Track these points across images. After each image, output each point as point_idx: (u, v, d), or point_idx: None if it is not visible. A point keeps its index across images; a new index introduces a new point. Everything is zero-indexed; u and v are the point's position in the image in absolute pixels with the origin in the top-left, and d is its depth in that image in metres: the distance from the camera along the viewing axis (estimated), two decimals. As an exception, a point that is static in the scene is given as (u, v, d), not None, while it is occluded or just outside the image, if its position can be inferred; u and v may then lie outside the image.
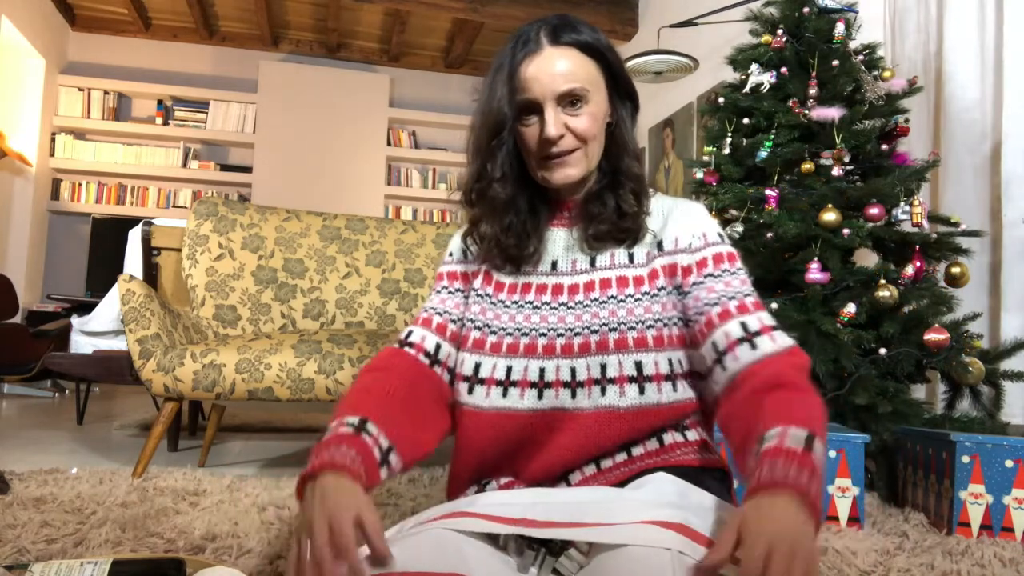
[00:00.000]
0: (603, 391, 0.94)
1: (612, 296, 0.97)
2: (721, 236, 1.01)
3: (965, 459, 1.61)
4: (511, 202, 1.02)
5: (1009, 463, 1.60)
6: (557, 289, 1.01)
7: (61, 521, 1.40)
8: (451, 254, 1.12)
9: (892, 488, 1.95)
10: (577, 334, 0.97)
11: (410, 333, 1.05)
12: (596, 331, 0.96)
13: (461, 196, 1.05)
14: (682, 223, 1.00)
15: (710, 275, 0.96)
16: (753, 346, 0.89)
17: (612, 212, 1.00)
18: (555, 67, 0.96)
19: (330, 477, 0.77)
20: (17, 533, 1.31)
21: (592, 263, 1.01)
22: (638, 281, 0.98)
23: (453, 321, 1.06)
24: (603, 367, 0.94)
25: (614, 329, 0.95)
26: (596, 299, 0.98)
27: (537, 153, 0.99)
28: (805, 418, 0.78)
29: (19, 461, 2.19)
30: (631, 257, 1.00)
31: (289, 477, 1.98)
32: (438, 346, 1.04)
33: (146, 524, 1.40)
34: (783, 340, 0.90)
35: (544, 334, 0.99)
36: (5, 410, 3.90)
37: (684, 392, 0.96)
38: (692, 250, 0.98)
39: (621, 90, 1.03)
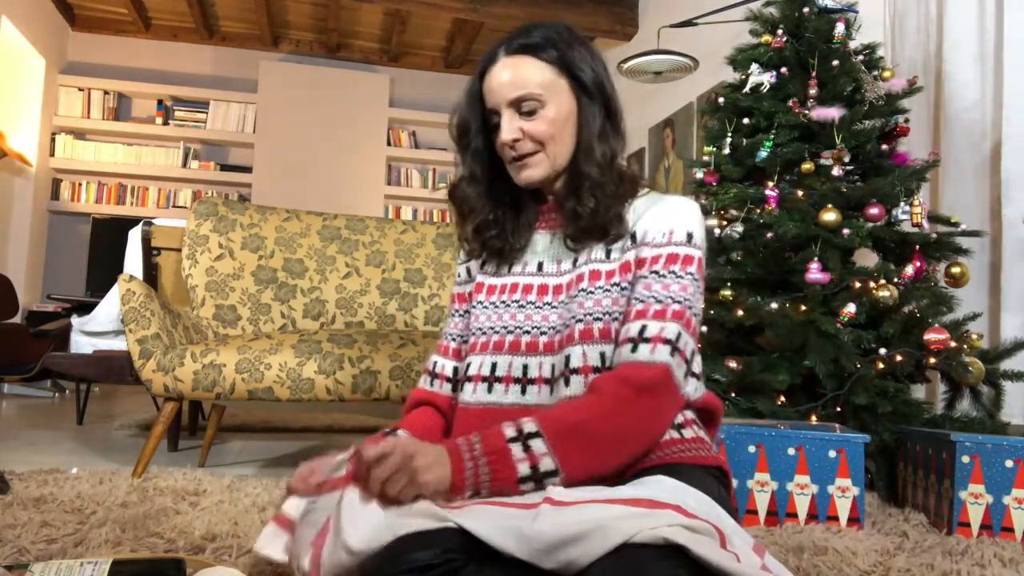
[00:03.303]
0: (567, 382, 0.95)
1: (583, 289, 0.99)
2: (690, 236, 0.98)
3: (965, 459, 1.61)
4: (484, 200, 1.07)
5: (1009, 463, 1.60)
6: (542, 289, 1.04)
7: (61, 521, 1.40)
8: (459, 275, 1.18)
9: (892, 488, 1.95)
10: (557, 332, 1.00)
11: (435, 364, 1.15)
12: (567, 325, 0.98)
13: (449, 193, 1.12)
14: (657, 217, 1.00)
15: (654, 272, 0.96)
16: (633, 349, 0.92)
17: (570, 214, 1.02)
18: (506, 75, 1.00)
19: None
20: (17, 533, 1.31)
21: (575, 263, 1.03)
22: (609, 274, 1.00)
23: (464, 342, 1.14)
24: (567, 359, 0.96)
25: (580, 320, 0.97)
26: (573, 296, 1.00)
27: (503, 156, 1.04)
28: (555, 417, 0.88)
29: (19, 461, 2.19)
30: (608, 253, 1.02)
31: (289, 477, 1.98)
32: (455, 369, 1.13)
33: (146, 524, 1.40)
34: (660, 355, 0.91)
35: (527, 332, 1.02)
36: (5, 410, 3.90)
37: None
38: (654, 244, 0.98)
39: (591, 94, 1.02)
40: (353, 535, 0.81)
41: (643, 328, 0.93)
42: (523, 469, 0.84)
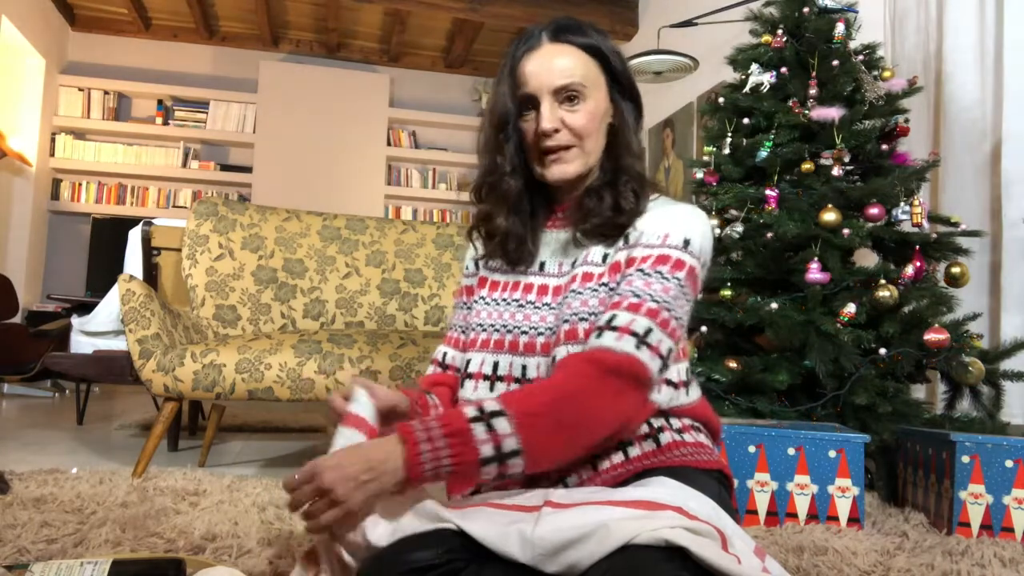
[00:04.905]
0: None
1: (574, 290, 0.98)
2: (687, 242, 0.96)
3: (965, 459, 1.61)
4: (521, 195, 1.03)
5: (1009, 463, 1.60)
6: (543, 289, 1.03)
7: (61, 521, 1.40)
8: (467, 267, 1.16)
9: (892, 488, 1.95)
10: (553, 333, 0.99)
11: (445, 355, 1.12)
12: (559, 327, 0.97)
13: (471, 193, 1.07)
14: (656, 220, 0.98)
15: (640, 271, 0.94)
16: (599, 335, 0.90)
17: (608, 208, 0.99)
18: (552, 62, 0.97)
19: None
20: (17, 533, 1.31)
21: (574, 264, 1.02)
22: (600, 276, 0.98)
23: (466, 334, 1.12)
24: (553, 360, 0.95)
25: (567, 321, 0.96)
26: (566, 298, 0.99)
27: (535, 148, 1.00)
28: (519, 397, 0.84)
29: (19, 461, 2.19)
30: (604, 257, 1.00)
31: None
32: (467, 361, 1.08)
33: (146, 524, 1.40)
34: (625, 344, 0.87)
35: (525, 332, 1.01)
36: (5, 410, 3.90)
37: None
38: (647, 245, 0.96)
39: (624, 91, 1.03)
40: (372, 529, 0.82)
41: (613, 317, 0.90)
42: (486, 451, 0.80)
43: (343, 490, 0.78)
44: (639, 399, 0.91)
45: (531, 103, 0.99)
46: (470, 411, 0.82)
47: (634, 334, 0.88)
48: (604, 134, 1.02)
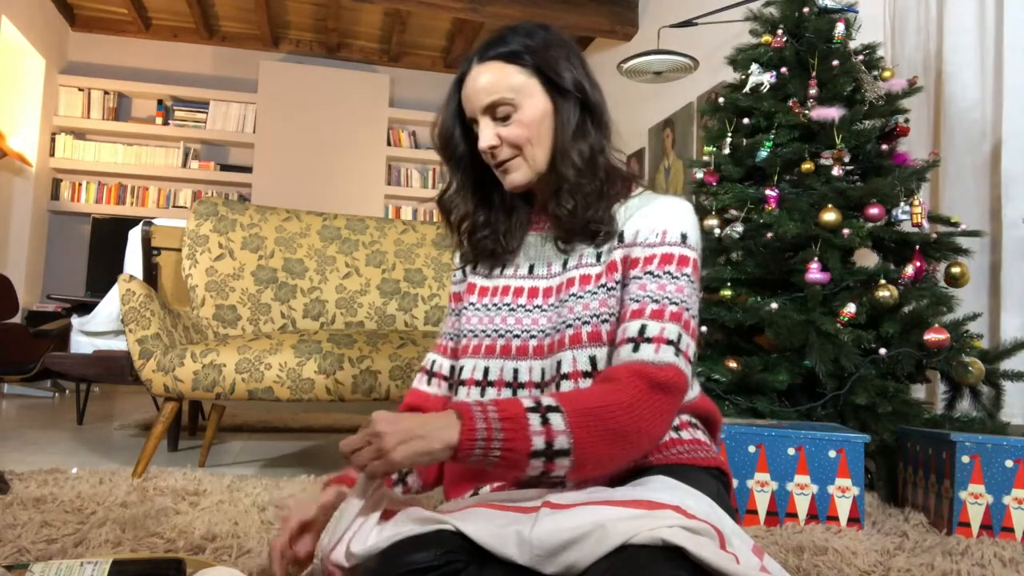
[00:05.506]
0: (557, 387, 0.95)
1: (573, 294, 0.99)
2: (684, 237, 0.96)
3: (965, 459, 1.61)
4: (473, 205, 1.07)
5: (1009, 463, 1.60)
6: (533, 292, 1.04)
7: (61, 521, 1.40)
8: (455, 275, 1.17)
9: (892, 488, 1.95)
10: (547, 335, 0.99)
11: (433, 362, 1.15)
12: (557, 330, 0.98)
13: (437, 202, 1.11)
14: (649, 217, 0.98)
15: (649, 273, 0.94)
16: (635, 349, 0.89)
17: (552, 216, 1.01)
18: (479, 82, 0.99)
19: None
20: (17, 533, 1.31)
21: (564, 265, 1.03)
22: (597, 277, 0.99)
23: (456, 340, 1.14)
24: (559, 363, 0.96)
25: (570, 325, 0.97)
26: (562, 300, 0.99)
27: (488, 163, 1.03)
28: (573, 397, 0.85)
29: (19, 461, 2.19)
30: (599, 256, 1.00)
31: (289, 477, 1.98)
32: (452, 368, 1.12)
33: (146, 524, 1.40)
34: (666, 355, 0.88)
35: (517, 336, 1.02)
36: (5, 410, 3.90)
37: None
38: (647, 244, 0.96)
39: (563, 91, 0.99)
40: (357, 541, 0.82)
41: (643, 328, 0.90)
42: (538, 443, 0.80)
43: (391, 441, 0.80)
44: (677, 407, 0.92)
45: (476, 123, 1.01)
46: (527, 401, 0.83)
47: (670, 342, 0.89)
48: (551, 137, 1.00)
